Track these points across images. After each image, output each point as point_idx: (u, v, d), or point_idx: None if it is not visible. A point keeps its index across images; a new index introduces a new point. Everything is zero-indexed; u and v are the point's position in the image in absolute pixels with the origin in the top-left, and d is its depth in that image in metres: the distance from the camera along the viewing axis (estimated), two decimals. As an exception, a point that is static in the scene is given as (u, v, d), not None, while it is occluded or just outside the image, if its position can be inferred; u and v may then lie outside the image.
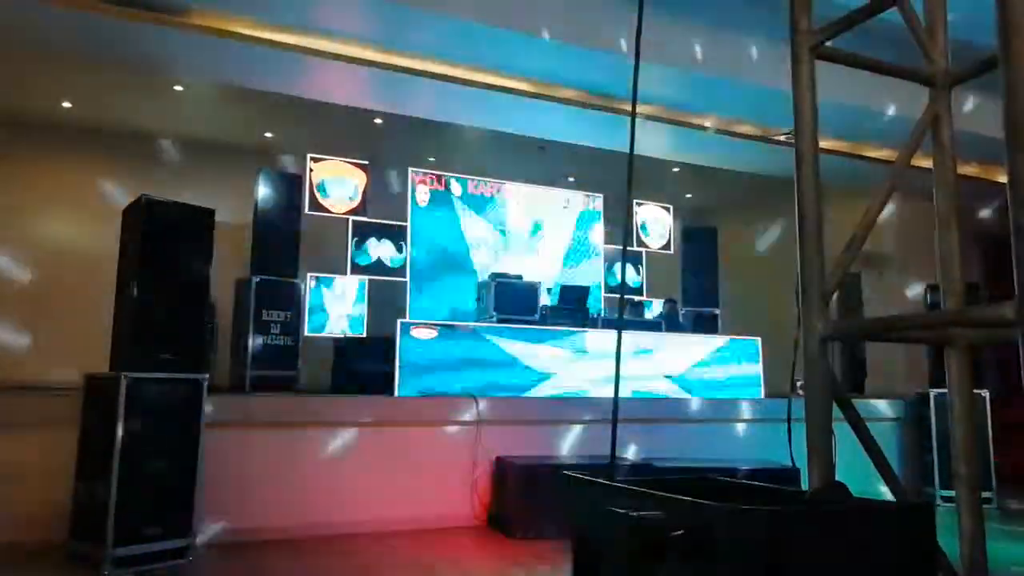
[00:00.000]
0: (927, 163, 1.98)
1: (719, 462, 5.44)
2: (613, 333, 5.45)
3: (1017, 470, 7.27)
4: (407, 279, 8.01)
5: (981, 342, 2.00)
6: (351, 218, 7.65)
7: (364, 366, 6.02)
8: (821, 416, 1.75)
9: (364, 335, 7.49)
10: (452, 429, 5.25)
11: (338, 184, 7.60)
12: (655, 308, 8.78)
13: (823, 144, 1.88)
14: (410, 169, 8.33)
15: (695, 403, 6.35)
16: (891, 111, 6.60)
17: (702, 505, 1.41)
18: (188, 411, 4.04)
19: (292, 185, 6.74)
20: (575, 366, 6.15)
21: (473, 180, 8.61)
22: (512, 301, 7.00)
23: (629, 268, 9.09)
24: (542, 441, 5.53)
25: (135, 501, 3.74)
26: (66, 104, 7.30)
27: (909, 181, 1.98)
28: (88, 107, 7.38)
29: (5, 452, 4.09)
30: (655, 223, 9.42)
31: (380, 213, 7.93)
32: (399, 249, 7.98)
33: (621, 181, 2.20)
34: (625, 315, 7.60)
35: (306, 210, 7.08)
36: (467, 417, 5.27)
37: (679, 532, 1.38)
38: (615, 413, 2.05)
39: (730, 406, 6.45)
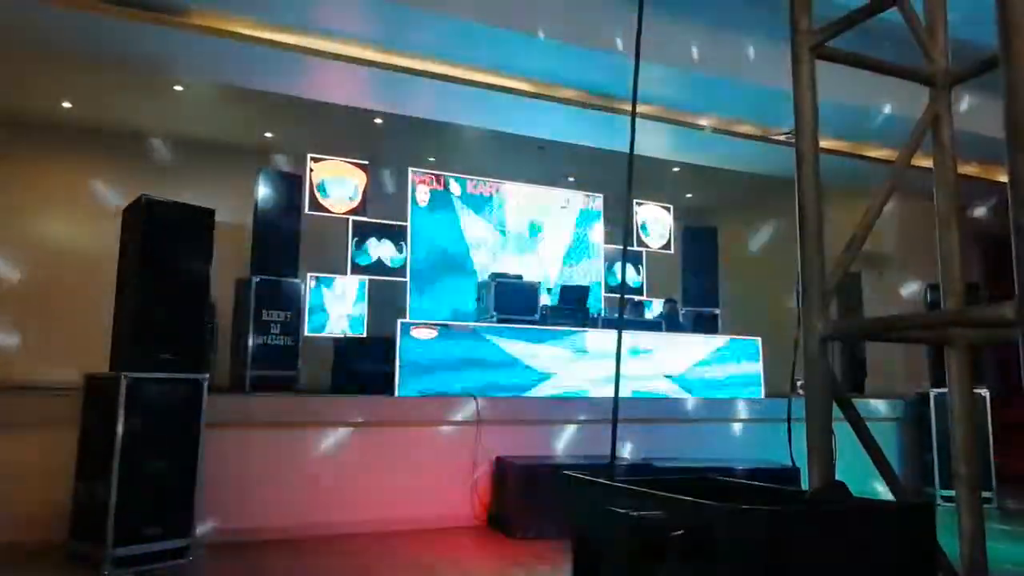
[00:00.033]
0: (927, 163, 1.98)
1: (719, 462, 5.44)
2: (613, 333, 5.46)
3: (1017, 470, 7.26)
4: (407, 279, 8.01)
5: (981, 342, 2.00)
6: (351, 218, 7.66)
7: (364, 366, 6.02)
8: (821, 416, 1.75)
9: (364, 335, 7.49)
10: (452, 429, 5.25)
11: (338, 184, 7.60)
12: (655, 308, 8.78)
13: (823, 144, 1.88)
14: (410, 169, 8.33)
15: (695, 403, 6.35)
16: (891, 111, 6.60)
17: (702, 505, 1.41)
18: (188, 411, 4.04)
19: (292, 185, 6.74)
20: (575, 366, 6.15)
21: (472, 180, 8.61)
22: (512, 301, 7.00)
23: (629, 268, 9.09)
24: (542, 441, 5.53)
25: (135, 501, 3.74)
26: (66, 104, 7.30)
27: (909, 181, 1.98)
28: (88, 107, 7.38)
29: (5, 452, 4.09)
30: (655, 223, 9.42)
31: (380, 213, 7.94)
32: (399, 249, 7.99)
33: (621, 181, 2.20)
34: (625, 315, 7.60)
35: (306, 210, 7.08)
36: (467, 417, 5.27)
37: (679, 532, 1.38)
38: (615, 413, 2.05)
39: (730, 406, 6.45)
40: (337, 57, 5.76)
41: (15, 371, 6.03)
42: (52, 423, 4.19)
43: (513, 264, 8.32)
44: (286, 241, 6.41)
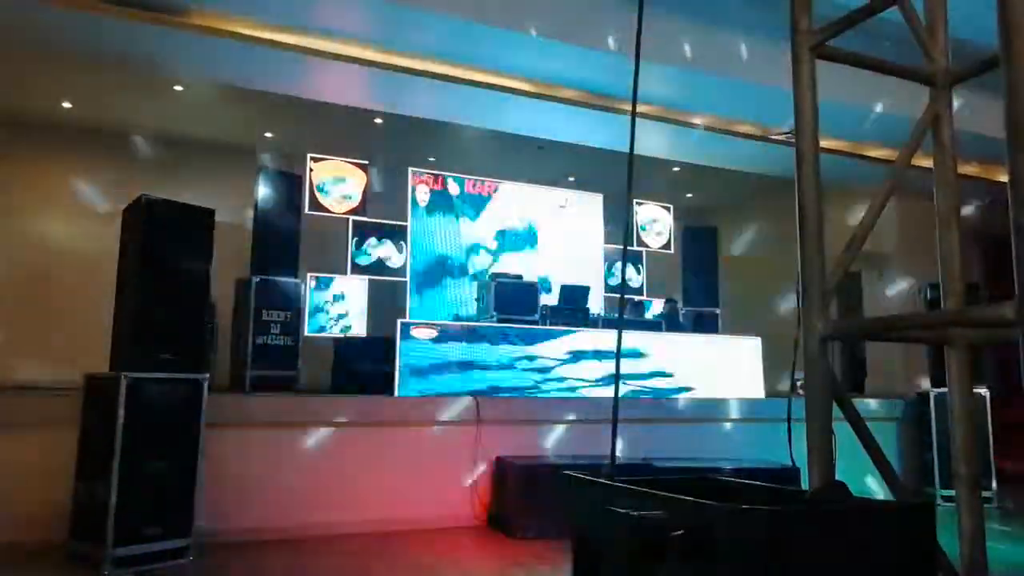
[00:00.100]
0: (927, 163, 1.98)
1: (719, 461, 5.44)
2: (613, 333, 5.45)
3: (1017, 470, 7.27)
4: (407, 279, 8.01)
5: (981, 342, 2.00)
6: (351, 218, 7.66)
7: (364, 366, 6.02)
8: (821, 416, 1.75)
9: (364, 335, 7.49)
10: (452, 429, 5.25)
11: (338, 184, 7.60)
12: (655, 308, 8.78)
13: (823, 144, 1.88)
14: (410, 169, 8.33)
15: (695, 403, 6.35)
16: (891, 111, 6.60)
17: (702, 505, 1.40)
18: (188, 411, 4.05)
19: (292, 185, 6.74)
20: (575, 366, 6.15)
21: (471, 179, 8.61)
22: (512, 301, 7.00)
23: (629, 268, 9.09)
24: (542, 441, 5.53)
25: (135, 501, 3.74)
26: (66, 104, 7.30)
27: (909, 181, 1.98)
28: (88, 107, 7.38)
29: (5, 452, 4.09)
30: (655, 223, 9.42)
31: (380, 213, 7.93)
32: (399, 249, 7.99)
33: (621, 181, 2.20)
34: (625, 315, 7.60)
35: (306, 210, 7.09)
36: (467, 417, 5.27)
37: (679, 532, 1.38)
38: (615, 413, 2.05)
39: (730, 406, 6.45)
40: (337, 57, 5.75)
41: (14, 371, 6.02)
42: (52, 423, 4.19)
43: (513, 264, 8.32)
44: (286, 241, 6.41)
